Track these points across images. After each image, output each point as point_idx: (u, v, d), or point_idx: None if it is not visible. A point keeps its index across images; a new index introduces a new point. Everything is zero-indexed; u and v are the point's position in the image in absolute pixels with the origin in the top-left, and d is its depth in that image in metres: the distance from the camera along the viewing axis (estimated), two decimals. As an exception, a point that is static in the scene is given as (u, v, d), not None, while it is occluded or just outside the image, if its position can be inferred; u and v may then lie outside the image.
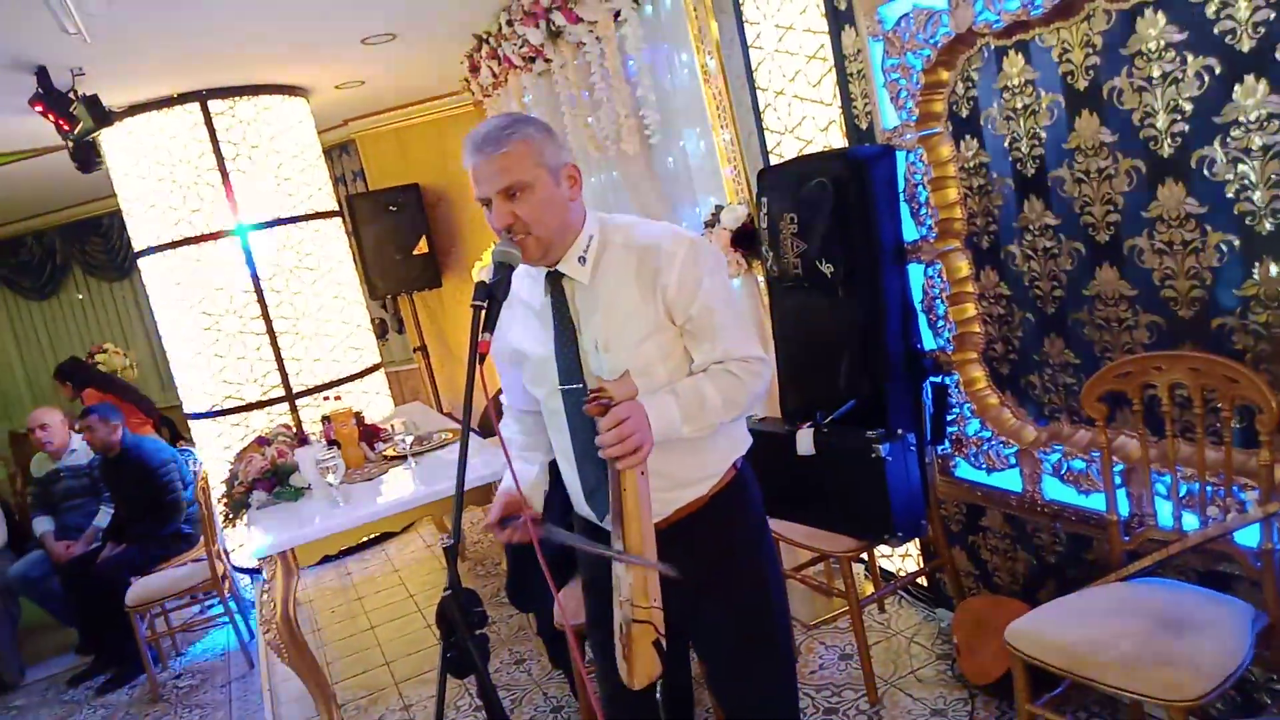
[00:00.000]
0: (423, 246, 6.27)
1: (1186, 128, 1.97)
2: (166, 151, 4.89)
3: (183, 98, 4.85)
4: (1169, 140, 2.01)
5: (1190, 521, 2.10)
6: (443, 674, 1.63)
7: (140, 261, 5.21)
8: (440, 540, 1.57)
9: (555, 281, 1.71)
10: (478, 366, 1.64)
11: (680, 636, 1.84)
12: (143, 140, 4.90)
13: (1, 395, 8.24)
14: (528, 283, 1.78)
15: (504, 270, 1.72)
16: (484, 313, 1.64)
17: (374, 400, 5.50)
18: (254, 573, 4.77)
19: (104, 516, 4.48)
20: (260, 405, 5.12)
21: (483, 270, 5.18)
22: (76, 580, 4.33)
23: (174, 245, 4.99)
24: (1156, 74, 1.99)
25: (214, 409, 5.15)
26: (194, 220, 4.95)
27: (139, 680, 4.21)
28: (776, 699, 1.86)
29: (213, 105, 4.92)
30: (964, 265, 2.61)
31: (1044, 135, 2.29)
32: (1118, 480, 2.23)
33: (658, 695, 1.62)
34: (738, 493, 1.78)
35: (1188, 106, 1.96)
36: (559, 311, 1.70)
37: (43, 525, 4.53)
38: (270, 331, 5.09)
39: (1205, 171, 1.97)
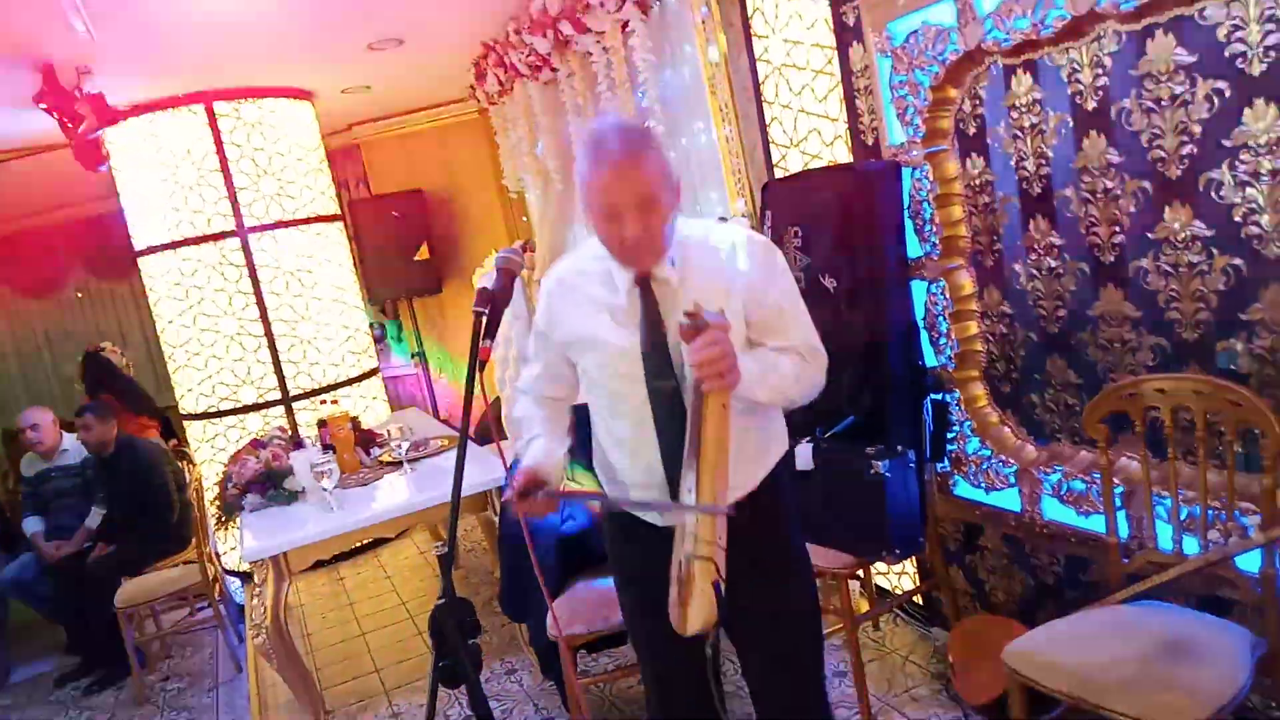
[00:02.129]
0: (424, 253, 6.27)
1: (1195, 150, 1.97)
2: (170, 152, 4.89)
3: (188, 98, 4.84)
4: (1177, 162, 2.01)
5: (1191, 545, 2.08)
6: (434, 684, 1.61)
7: (140, 261, 5.20)
8: (434, 548, 1.55)
9: (645, 285, 1.71)
10: (478, 374, 1.64)
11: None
12: (147, 140, 4.90)
13: (-3, 396, 8.20)
14: (598, 273, 1.77)
15: (506, 277, 1.72)
16: (485, 320, 1.65)
17: (371, 405, 5.49)
18: (245, 576, 4.73)
19: (94, 517, 4.45)
20: (256, 408, 5.10)
21: (483, 277, 5.19)
22: (66, 580, 4.29)
23: (174, 245, 4.98)
24: (1166, 96, 1.99)
25: (210, 410, 5.12)
26: (195, 221, 4.94)
27: (126, 682, 4.17)
28: (812, 690, 1.92)
29: (218, 107, 4.92)
30: (967, 283, 2.60)
31: (1051, 154, 2.29)
32: (1118, 502, 2.22)
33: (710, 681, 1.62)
34: (778, 490, 1.84)
35: (1196, 129, 1.96)
36: (649, 314, 1.71)
37: (33, 526, 4.49)
38: (268, 334, 5.08)
39: (1213, 194, 1.96)
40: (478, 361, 1.63)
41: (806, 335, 1.78)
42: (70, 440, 4.61)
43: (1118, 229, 2.18)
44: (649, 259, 1.67)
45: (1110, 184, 2.16)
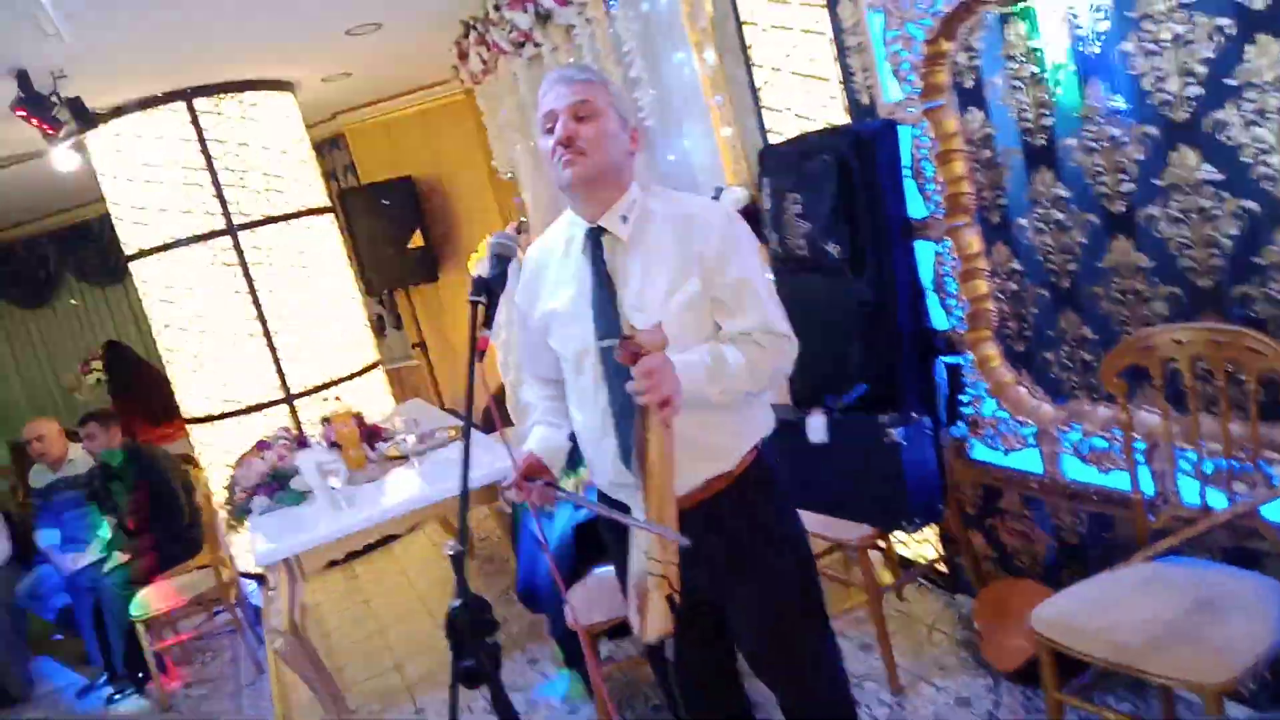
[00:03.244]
0: (417, 240, 6.20)
1: (1200, 91, 1.90)
2: (153, 152, 4.80)
3: (168, 97, 4.75)
4: (1183, 105, 1.94)
5: (1216, 498, 2.04)
6: (455, 686, 1.58)
7: (131, 265, 5.14)
8: (445, 547, 1.54)
9: (595, 238, 1.72)
10: (478, 363, 1.59)
11: (717, 616, 1.86)
12: (129, 142, 4.82)
13: (2, 408, 8.17)
14: (562, 246, 1.80)
15: (501, 263, 1.67)
16: (483, 309, 1.59)
17: (374, 399, 5.44)
18: (261, 578, 4.72)
19: (105, 528, 4.43)
20: (259, 408, 5.05)
21: (479, 263, 5.12)
22: (83, 593, 4.28)
23: (165, 248, 4.90)
24: (1167, 36, 1.92)
25: (213, 414, 5.08)
26: (184, 222, 4.87)
27: (149, 690, 4.16)
28: (822, 676, 1.88)
29: (198, 103, 4.83)
30: (974, 241, 2.53)
31: (1053, 104, 2.22)
32: (1140, 458, 2.17)
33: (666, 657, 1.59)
34: (763, 473, 1.78)
35: (1200, 69, 1.89)
36: (598, 266, 1.71)
37: (47, 539, 4.47)
38: (266, 333, 5.01)
39: (1220, 136, 1.90)
40: (476, 352, 1.58)
41: (766, 317, 1.70)
42: (77, 450, 4.58)
43: (1125, 177, 2.11)
44: (581, 172, 1.65)
45: (1115, 131, 2.09)
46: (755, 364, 1.66)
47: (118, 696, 4.24)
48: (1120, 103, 2.06)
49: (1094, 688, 2.21)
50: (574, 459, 1.94)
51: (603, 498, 1.90)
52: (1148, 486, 2.16)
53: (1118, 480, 2.30)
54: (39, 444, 4.51)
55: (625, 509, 1.75)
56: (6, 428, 7.28)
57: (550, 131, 1.67)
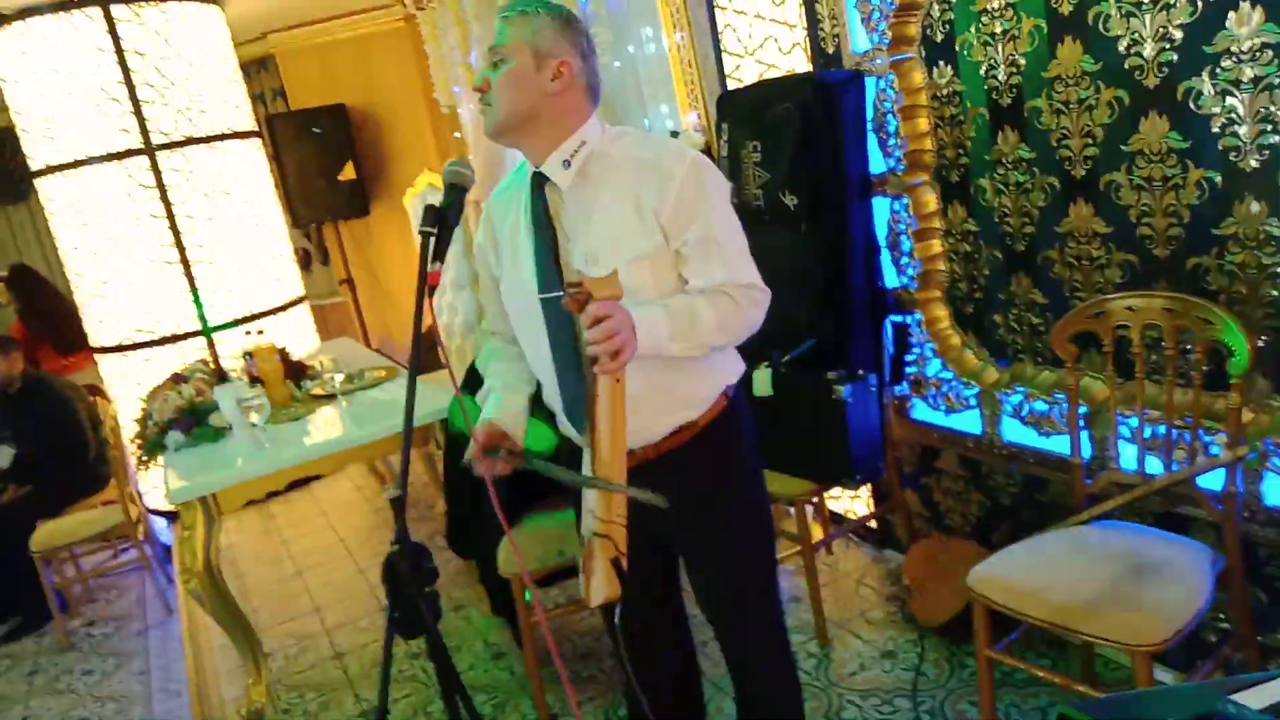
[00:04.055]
0: (349, 172, 5.93)
1: (1175, 57, 1.89)
2: (66, 61, 4.44)
3: (82, 1, 4.39)
4: (1155, 70, 1.93)
5: (1153, 465, 2.07)
6: (389, 635, 1.50)
7: (38, 182, 4.78)
8: (385, 491, 1.47)
9: (538, 184, 1.61)
10: (427, 299, 1.49)
11: (671, 561, 1.85)
12: (38, 47, 4.44)
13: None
14: (516, 194, 1.68)
15: (456, 193, 1.56)
16: (434, 240, 1.48)
17: (299, 335, 5.22)
18: (171, 515, 4.52)
19: (5, 457, 4.17)
20: (175, 339, 4.79)
21: (416, 197, 4.91)
22: (-23, 524, 4.04)
23: (75, 165, 4.57)
24: (1148, -1, 1.90)
25: (124, 343, 4.81)
26: (100, 137, 4.53)
27: (48, 628, 3.97)
28: (774, 626, 1.87)
29: (116, 11, 4.45)
30: (932, 200, 2.51)
31: (1023, 63, 2.19)
32: (1081, 423, 2.19)
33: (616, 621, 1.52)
34: (731, 420, 1.72)
35: (1177, 34, 1.87)
36: (538, 215, 1.60)
37: (-62, 468, 4.20)
38: (184, 260, 4.73)
39: (1191, 104, 1.89)
40: (426, 286, 1.47)
41: (737, 270, 1.61)
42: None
43: (1090, 141, 2.10)
44: (488, 122, 1.60)
45: (1085, 93, 2.07)
46: (725, 317, 1.58)
47: (15, 634, 4.04)
48: (1092, 65, 2.04)
49: (1021, 646, 2.24)
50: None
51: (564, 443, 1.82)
52: (1087, 451, 2.19)
53: (1057, 444, 2.33)
54: (-71, 369, 4.20)
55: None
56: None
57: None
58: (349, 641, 3.37)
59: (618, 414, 1.42)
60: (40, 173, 4.71)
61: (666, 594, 1.92)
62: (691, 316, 1.55)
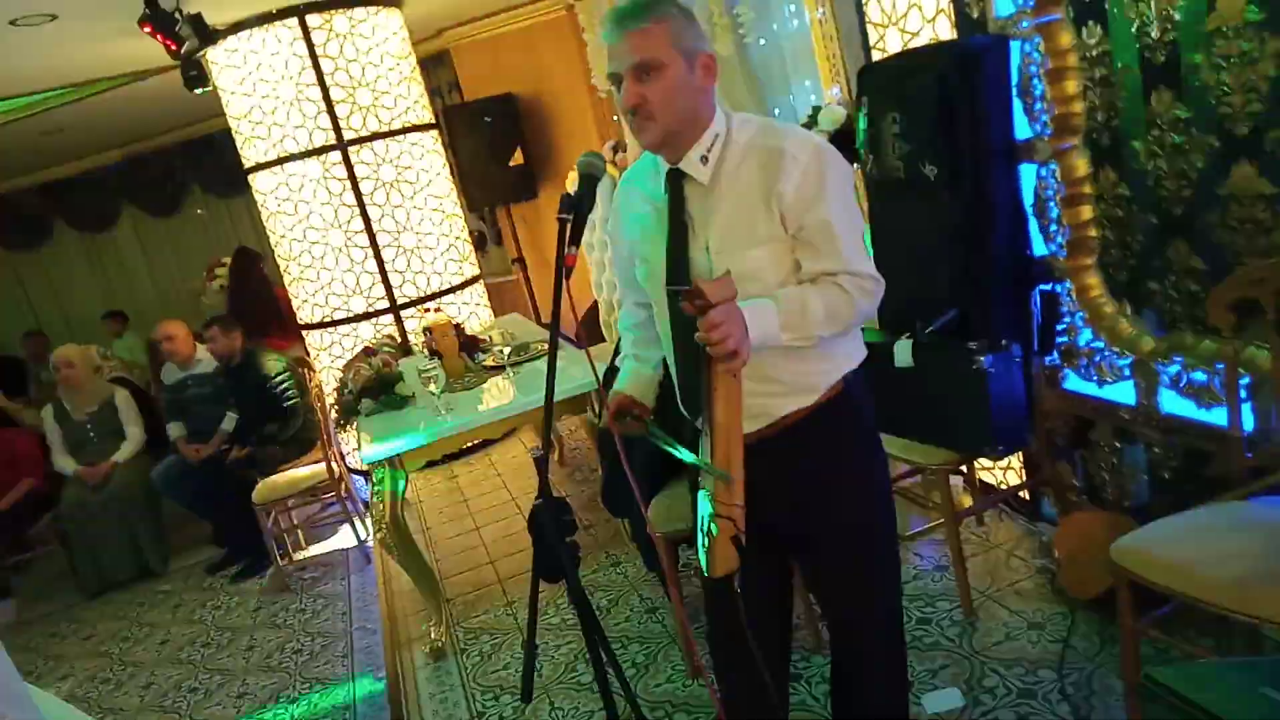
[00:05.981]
0: (518, 157, 6.26)
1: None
2: (269, 68, 4.99)
3: (281, 13, 4.90)
4: (1325, 18, 1.80)
5: (1323, 438, 1.96)
6: (535, 578, 1.69)
7: (250, 178, 5.39)
8: (531, 451, 1.62)
9: (675, 180, 1.66)
10: (565, 281, 1.64)
11: (782, 543, 1.84)
12: (246, 57, 5.01)
13: (138, 309, 8.78)
14: (651, 178, 1.75)
15: (589, 182, 1.71)
16: (569, 226, 1.64)
17: (474, 311, 5.62)
18: (366, 474, 5.03)
19: (229, 421, 4.78)
20: (367, 316, 5.30)
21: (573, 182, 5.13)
22: (208, 480, 4.66)
23: (280, 161, 5.13)
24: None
25: (325, 320, 5.36)
26: (298, 136, 5.07)
27: (268, 571, 4.54)
28: (881, 607, 1.85)
29: (310, 19, 4.96)
30: (1082, 164, 2.43)
31: (1178, 17, 2.08)
32: (1243, 394, 2.09)
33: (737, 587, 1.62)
34: (847, 404, 1.72)
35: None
36: (674, 211, 1.66)
37: (175, 430, 4.86)
38: (374, 245, 5.23)
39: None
40: (563, 268, 1.63)
41: (851, 260, 1.60)
42: (204, 351, 4.92)
43: (1255, 95, 1.98)
44: (655, 135, 1.59)
45: (1247, 45, 1.96)
46: (835, 308, 1.59)
47: (241, 575, 4.65)
48: (1256, 14, 1.92)
49: (1174, 623, 2.18)
50: None
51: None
52: (1249, 424, 2.09)
53: (1217, 416, 2.23)
54: (169, 344, 4.85)
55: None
56: (143, 328, 7.82)
57: (617, 88, 1.61)
58: (519, 591, 3.67)
59: (734, 409, 1.50)
60: (252, 169, 5.31)
61: (780, 568, 1.92)
62: (802, 308, 1.57)
